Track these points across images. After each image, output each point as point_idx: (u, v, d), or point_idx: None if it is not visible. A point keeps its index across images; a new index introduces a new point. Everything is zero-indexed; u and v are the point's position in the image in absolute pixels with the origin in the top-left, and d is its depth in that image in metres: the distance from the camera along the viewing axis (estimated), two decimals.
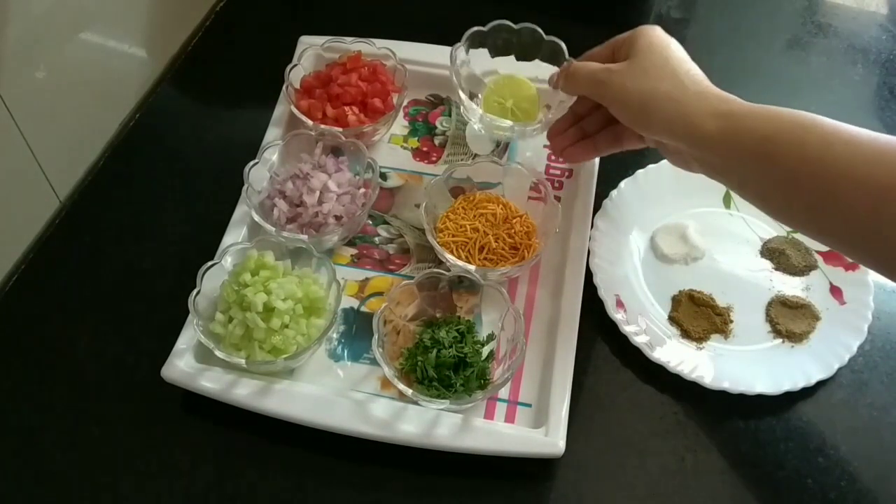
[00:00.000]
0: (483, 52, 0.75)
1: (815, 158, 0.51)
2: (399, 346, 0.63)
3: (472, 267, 0.64)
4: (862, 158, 0.50)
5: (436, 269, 0.64)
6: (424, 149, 0.77)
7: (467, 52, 0.74)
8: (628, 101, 0.59)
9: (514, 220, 0.68)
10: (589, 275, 0.66)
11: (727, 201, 0.73)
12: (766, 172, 0.54)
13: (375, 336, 0.59)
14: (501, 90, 0.74)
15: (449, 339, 0.61)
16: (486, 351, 0.63)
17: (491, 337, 0.63)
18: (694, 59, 0.88)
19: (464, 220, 0.68)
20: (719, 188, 0.73)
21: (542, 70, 0.74)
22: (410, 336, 0.63)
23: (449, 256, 0.65)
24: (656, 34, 0.61)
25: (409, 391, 0.58)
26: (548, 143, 0.71)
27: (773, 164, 0.53)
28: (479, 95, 0.75)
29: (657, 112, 0.57)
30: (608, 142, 0.67)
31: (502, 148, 0.76)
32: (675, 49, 0.60)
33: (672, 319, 0.66)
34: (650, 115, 0.58)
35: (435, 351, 0.60)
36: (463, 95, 0.72)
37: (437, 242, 0.66)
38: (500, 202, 0.70)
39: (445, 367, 0.60)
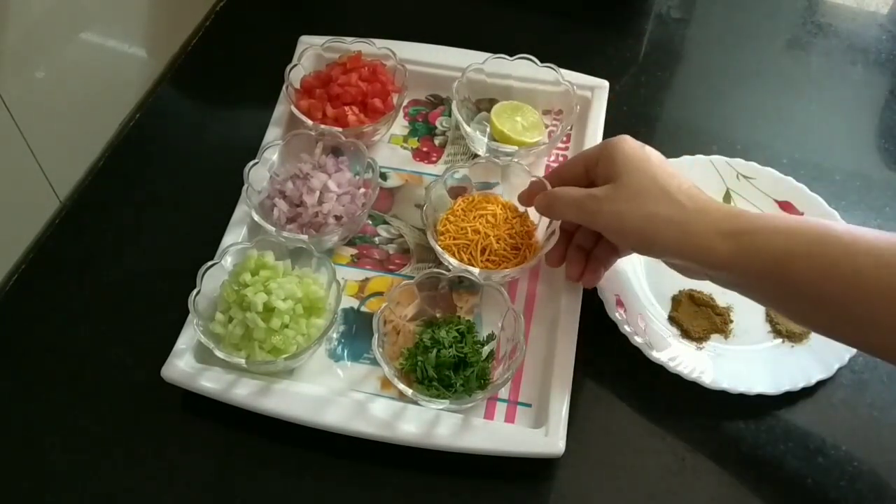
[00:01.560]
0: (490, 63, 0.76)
1: (838, 272, 0.50)
2: (399, 346, 0.63)
3: (475, 270, 0.64)
4: (887, 268, 0.48)
5: (436, 269, 0.64)
6: (424, 149, 0.77)
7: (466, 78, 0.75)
8: (625, 230, 0.57)
9: (515, 220, 0.68)
10: None
11: (727, 201, 0.73)
12: (786, 289, 0.52)
13: (375, 336, 0.59)
14: (509, 112, 0.75)
15: (449, 339, 0.61)
16: (486, 351, 0.63)
17: (491, 337, 0.63)
18: (694, 59, 0.89)
19: (464, 222, 0.68)
20: (719, 187, 0.73)
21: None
22: (410, 336, 0.64)
23: (452, 260, 0.65)
24: (631, 148, 0.58)
25: (409, 391, 0.58)
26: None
27: (793, 280, 0.51)
28: (487, 112, 0.76)
29: (659, 238, 0.55)
30: (607, 253, 0.64)
31: None
32: (656, 161, 0.57)
33: (672, 319, 0.66)
34: (652, 241, 0.56)
35: (435, 351, 0.61)
36: (468, 129, 0.73)
37: (439, 246, 0.66)
38: (500, 202, 0.70)
39: (445, 367, 0.60)
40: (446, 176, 0.69)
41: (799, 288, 0.51)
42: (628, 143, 0.59)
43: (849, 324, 0.51)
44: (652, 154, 0.58)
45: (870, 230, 0.51)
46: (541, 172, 0.75)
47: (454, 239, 0.67)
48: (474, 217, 0.68)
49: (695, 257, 0.55)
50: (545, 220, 0.68)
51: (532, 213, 0.70)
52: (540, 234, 0.68)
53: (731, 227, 0.53)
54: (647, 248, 0.58)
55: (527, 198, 0.66)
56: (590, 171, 0.61)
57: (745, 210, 0.55)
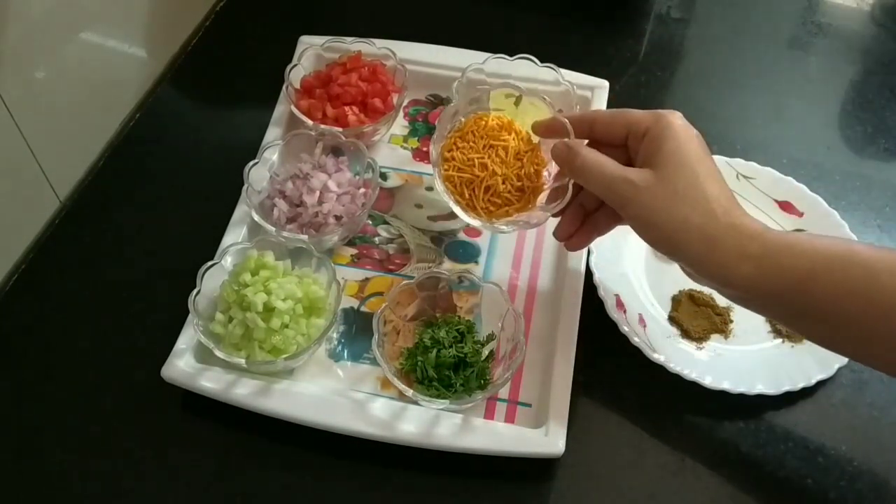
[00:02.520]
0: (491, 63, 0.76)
1: (860, 291, 0.49)
2: (399, 346, 0.63)
3: (477, 223, 0.63)
4: None
5: (436, 270, 0.64)
6: (424, 149, 0.77)
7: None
8: (653, 228, 0.54)
9: (526, 156, 0.63)
10: (589, 275, 0.66)
11: None
12: (806, 308, 0.51)
13: (375, 336, 0.59)
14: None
15: (449, 339, 0.61)
16: (486, 351, 0.63)
17: (491, 337, 0.63)
18: (694, 59, 0.89)
19: (472, 153, 0.63)
20: None
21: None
22: (410, 336, 0.64)
23: (453, 205, 0.63)
24: (683, 133, 0.55)
25: (409, 391, 0.58)
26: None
27: (815, 299, 0.50)
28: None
29: (686, 246, 0.53)
30: (607, 220, 0.61)
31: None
32: (702, 156, 0.54)
33: (672, 319, 0.66)
34: (678, 247, 0.54)
35: (435, 351, 0.61)
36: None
37: (442, 177, 0.63)
38: (514, 131, 0.64)
39: (445, 367, 0.60)
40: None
41: (818, 307, 0.51)
42: (680, 125, 0.55)
43: (868, 343, 0.51)
44: (700, 146, 0.55)
45: (892, 250, 0.50)
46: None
47: (459, 170, 0.63)
48: (484, 147, 0.63)
49: (713, 275, 0.53)
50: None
51: (544, 146, 0.65)
52: (550, 172, 0.65)
53: (755, 250, 0.51)
54: (668, 251, 0.55)
55: (543, 130, 0.62)
56: (631, 139, 0.57)
57: (771, 229, 0.53)
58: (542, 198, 0.64)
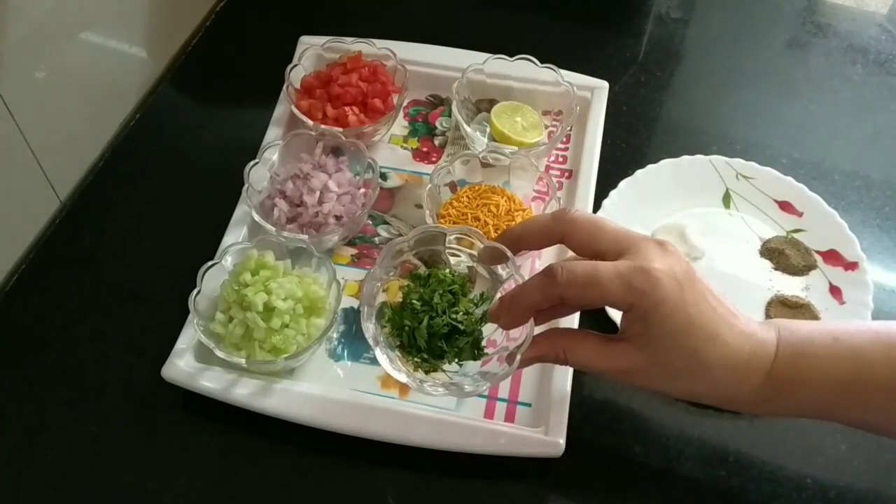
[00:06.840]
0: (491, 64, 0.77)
1: (876, 421, 0.52)
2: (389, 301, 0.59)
3: (465, 256, 0.63)
4: None
5: (431, 227, 0.60)
6: (424, 149, 0.77)
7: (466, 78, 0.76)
8: (668, 394, 0.60)
9: (517, 214, 0.68)
10: None
11: (727, 201, 0.73)
12: (833, 419, 0.53)
13: (364, 310, 0.55)
14: (509, 113, 0.75)
15: (443, 305, 0.57)
16: (479, 312, 0.58)
17: (484, 297, 0.59)
18: (694, 59, 0.89)
19: (466, 209, 0.68)
20: (719, 188, 0.74)
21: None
22: (398, 293, 0.59)
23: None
24: (669, 308, 0.48)
25: (405, 378, 0.55)
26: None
27: (838, 419, 0.53)
28: (487, 113, 0.76)
29: (703, 401, 0.57)
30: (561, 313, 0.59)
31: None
32: (693, 316, 0.49)
33: None
34: (695, 400, 0.59)
35: (426, 319, 0.56)
36: (468, 129, 0.73)
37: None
38: (506, 195, 0.69)
39: (437, 338, 0.56)
40: (454, 163, 0.69)
41: (844, 422, 0.53)
42: (664, 301, 0.48)
43: None
44: (684, 300, 0.48)
45: None
46: (541, 162, 0.74)
47: (453, 223, 0.67)
48: (477, 206, 0.68)
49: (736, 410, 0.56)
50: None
51: (536, 208, 0.69)
52: None
53: (768, 393, 0.50)
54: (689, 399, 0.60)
55: (488, 259, 0.57)
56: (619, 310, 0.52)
57: (787, 356, 0.50)
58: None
